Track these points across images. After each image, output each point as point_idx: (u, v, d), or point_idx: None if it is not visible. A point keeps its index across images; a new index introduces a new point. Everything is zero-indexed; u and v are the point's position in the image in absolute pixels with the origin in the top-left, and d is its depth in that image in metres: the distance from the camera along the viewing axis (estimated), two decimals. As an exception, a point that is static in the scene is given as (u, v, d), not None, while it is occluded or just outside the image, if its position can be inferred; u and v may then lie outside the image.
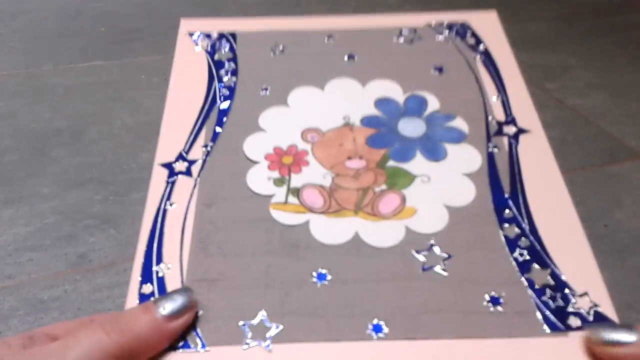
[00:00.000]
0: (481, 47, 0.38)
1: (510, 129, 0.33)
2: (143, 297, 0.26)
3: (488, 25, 0.40)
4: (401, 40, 0.39)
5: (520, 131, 0.33)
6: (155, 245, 0.28)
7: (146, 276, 0.27)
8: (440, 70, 0.37)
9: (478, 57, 0.37)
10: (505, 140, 0.33)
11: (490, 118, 0.34)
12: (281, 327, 0.25)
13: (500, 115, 0.34)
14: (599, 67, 1.49)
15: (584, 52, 1.57)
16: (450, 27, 0.40)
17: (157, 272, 0.27)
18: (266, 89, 0.36)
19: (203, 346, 0.25)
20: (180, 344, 0.25)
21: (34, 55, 1.57)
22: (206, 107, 0.35)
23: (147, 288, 0.27)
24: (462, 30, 0.39)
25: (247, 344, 0.24)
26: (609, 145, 1.20)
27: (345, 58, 0.38)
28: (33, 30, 1.70)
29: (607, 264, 0.91)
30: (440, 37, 0.39)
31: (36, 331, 0.25)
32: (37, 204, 1.05)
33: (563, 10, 1.82)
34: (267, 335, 0.25)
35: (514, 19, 1.76)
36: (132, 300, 0.26)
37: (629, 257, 0.93)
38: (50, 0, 1.89)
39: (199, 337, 0.25)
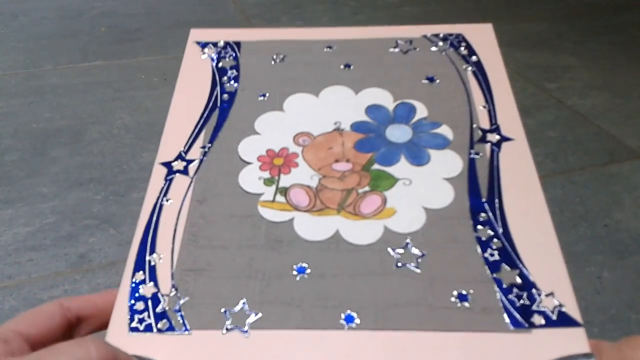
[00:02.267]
0: (473, 58, 0.39)
1: (494, 137, 0.34)
2: (135, 284, 0.28)
3: (482, 38, 0.41)
4: (397, 50, 0.41)
5: (504, 139, 0.34)
6: (149, 237, 0.30)
7: (139, 264, 0.29)
8: (431, 80, 0.38)
9: (469, 68, 0.39)
10: (487, 147, 0.34)
11: (475, 126, 0.35)
12: (260, 315, 0.27)
13: (486, 123, 0.35)
14: (599, 67, 1.49)
15: (584, 52, 1.57)
16: (444, 38, 0.41)
17: (149, 262, 0.29)
18: (264, 95, 0.38)
19: (186, 329, 0.26)
20: (165, 327, 0.26)
21: (34, 55, 1.58)
22: (207, 111, 0.37)
23: (139, 276, 0.29)
24: (456, 42, 0.41)
25: (226, 329, 0.26)
26: (609, 145, 1.20)
27: (342, 67, 0.40)
28: (33, 30, 1.70)
29: (607, 264, 0.92)
30: (434, 48, 0.41)
31: (8, 331, 0.25)
32: (37, 204, 1.05)
33: (563, 10, 1.82)
34: (246, 322, 0.26)
35: (514, 19, 1.76)
36: (124, 288, 0.28)
37: (629, 257, 0.93)
38: (50, 0, 1.89)
39: (182, 321, 0.26)
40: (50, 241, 0.97)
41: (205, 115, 0.37)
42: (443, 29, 0.42)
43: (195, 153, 0.34)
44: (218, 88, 0.39)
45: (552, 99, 1.36)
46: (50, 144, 1.22)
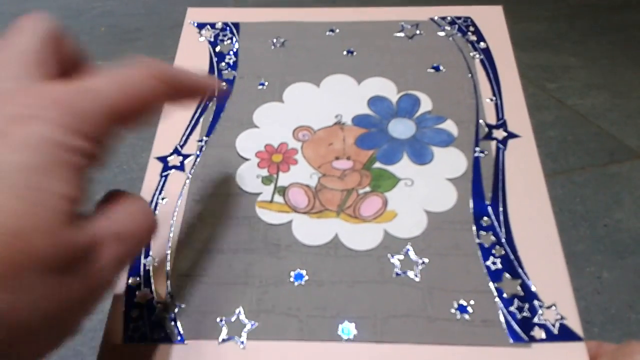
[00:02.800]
0: (482, 44, 0.38)
1: (500, 134, 0.33)
2: (130, 289, 0.27)
3: (492, 21, 0.39)
4: (402, 34, 0.39)
5: (510, 136, 0.33)
6: None
7: (134, 269, 0.28)
8: (437, 69, 0.37)
9: (477, 55, 0.37)
10: (493, 144, 0.32)
11: (481, 121, 0.33)
12: (256, 324, 0.26)
13: (492, 118, 0.34)
14: (599, 67, 1.49)
15: (584, 52, 1.57)
16: (452, 22, 0.39)
17: (144, 265, 0.28)
18: (263, 84, 0.36)
19: (181, 339, 0.26)
20: (160, 336, 0.26)
21: (34, 55, 1.58)
22: (204, 101, 0.35)
23: (134, 280, 0.28)
24: (464, 26, 0.39)
25: (222, 339, 0.25)
26: (609, 145, 1.20)
27: (344, 53, 0.38)
28: (33, 30, 1.70)
29: (607, 264, 0.92)
30: (441, 33, 0.38)
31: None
32: (37, 204, 1.05)
33: (563, 10, 1.82)
34: (242, 331, 0.26)
35: (514, 19, 1.76)
36: (119, 294, 0.27)
37: (629, 257, 0.93)
38: (50, 0, 1.89)
39: (178, 330, 0.26)
40: (50, 241, 0.97)
41: (202, 106, 0.35)
42: (451, 11, 0.39)
43: (191, 147, 0.33)
44: (215, 76, 0.37)
45: (552, 99, 1.35)
46: (50, 144, 1.22)
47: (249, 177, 0.32)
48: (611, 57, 1.54)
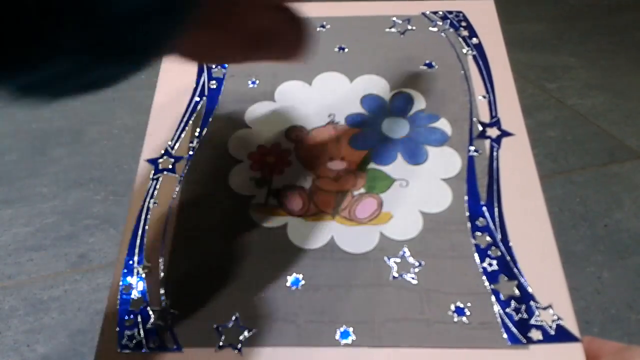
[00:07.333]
0: (474, 40, 0.37)
1: (494, 132, 0.32)
2: (123, 297, 0.27)
3: (484, 16, 0.38)
4: (394, 30, 0.38)
5: (504, 134, 0.32)
6: (137, 244, 0.28)
7: (127, 276, 0.28)
8: (429, 65, 0.36)
9: (469, 52, 0.36)
10: (487, 143, 0.32)
11: (474, 120, 0.33)
12: (253, 331, 0.25)
13: (486, 116, 0.33)
14: (599, 67, 1.49)
15: (584, 52, 1.57)
16: (444, 16, 0.38)
17: (137, 272, 0.28)
18: (254, 82, 0.35)
19: (177, 347, 0.25)
20: (156, 345, 0.25)
21: (34, 55, 1.57)
22: (194, 101, 0.34)
23: (127, 288, 0.27)
24: (456, 20, 0.38)
25: (219, 346, 0.25)
26: (609, 145, 1.20)
27: (336, 49, 0.37)
28: (33, 31, 1.70)
29: (607, 264, 0.91)
30: (433, 28, 0.38)
31: None
32: (37, 204, 1.05)
33: (563, 10, 1.82)
34: (239, 338, 0.25)
35: (514, 19, 1.76)
36: (112, 301, 0.27)
37: (629, 257, 0.93)
38: (50, 0, 1.89)
39: (174, 338, 0.25)
40: (50, 241, 0.97)
41: (192, 105, 0.34)
42: (443, 5, 0.39)
43: (182, 149, 0.32)
44: (205, 74, 0.36)
45: (552, 99, 1.35)
46: (50, 144, 1.22)
47: (241, 180, 0.31)
48: (611, 57, 1.54)
